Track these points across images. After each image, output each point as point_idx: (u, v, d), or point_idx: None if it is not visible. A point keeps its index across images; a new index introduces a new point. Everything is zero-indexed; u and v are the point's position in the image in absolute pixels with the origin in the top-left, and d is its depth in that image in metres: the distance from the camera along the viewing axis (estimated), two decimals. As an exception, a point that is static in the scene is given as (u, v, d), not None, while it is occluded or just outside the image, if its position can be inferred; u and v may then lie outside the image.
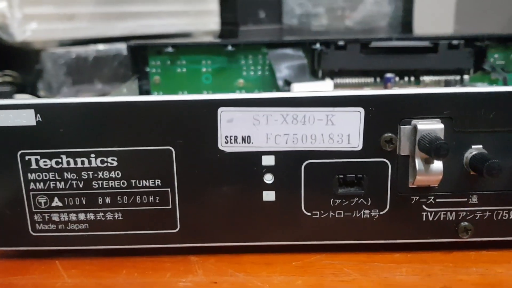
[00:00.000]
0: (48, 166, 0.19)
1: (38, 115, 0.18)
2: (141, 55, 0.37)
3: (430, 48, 0.35)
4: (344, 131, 0.19)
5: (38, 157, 0.19)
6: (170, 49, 0.36)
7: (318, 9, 1.04)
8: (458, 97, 0.18)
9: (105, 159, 0.19)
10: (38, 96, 0.80)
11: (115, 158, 0.19)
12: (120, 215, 0.20)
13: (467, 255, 0.20)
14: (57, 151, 0.19)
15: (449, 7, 0.97)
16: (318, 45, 0.36)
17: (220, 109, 0.19)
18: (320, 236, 0.20)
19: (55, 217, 0.20)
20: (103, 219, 0.20)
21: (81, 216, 0.20)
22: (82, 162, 0.19)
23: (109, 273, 0.20)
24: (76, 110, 0.19)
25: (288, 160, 0.19)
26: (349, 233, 0.20)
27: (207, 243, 0.20)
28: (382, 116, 0.18)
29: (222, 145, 0.19)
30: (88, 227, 0.20)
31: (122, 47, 0.84)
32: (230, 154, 0.19)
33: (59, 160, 0.19)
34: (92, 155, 0.19)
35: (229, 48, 0.36)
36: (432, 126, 0.18)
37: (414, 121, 0.18)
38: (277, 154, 0.19)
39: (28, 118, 0.19)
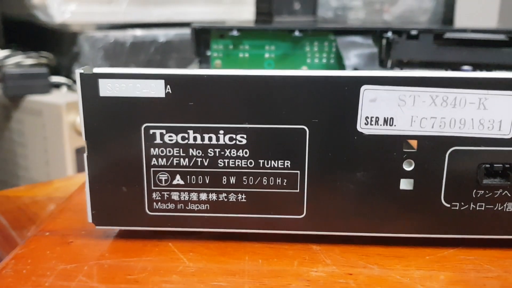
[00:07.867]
0: (174, 141, 0.18)
1: (168, 86, 0.17)
2: (203, 38, 0.36)
3: (505, 42, 0.34)
4: (496, 116, 0.17)
5: (164, 131, 0.18)
6: (235, 33, 0.35)
7: (356, 2, 1.03)
8: None
9: (234, 136, 0.18)
10: (73, 80, 0.79)
11: (245, 136, 0.18)
12: (243, 196, 0.18)
13: None
14: (185, 125, 0.18)
15: (493, 3, 0.94)
16: (390, 34, 0.34)
17: (363, 87, 0.17)
18: (456, 230, 0.19)
19: (174, 196, 0.18)
20: (226, 200, 0.18)
21: (203, 196, 0.18)
22: (210, 139, 0.18)
23: (230, 258, 0.18)
24: (207, 83, 0.17)
25: (432, 146, 0.18)
26: (487, 227, 0.18)
27: (332, 232, 0.19)
28: (541, 102, 0.17)
29: (361, 127, 0.18)
30: (208, 208, 0.19)
31: (159, 33, 0.84)
32: (369, 137, 0.18)
33: (186, 135, 0.18)
34: (221, 131, 0.18)
35: (296, 33, 0.34)
36: None
37: None
38: (420, 139, 0.18)
39: (157, 89, 0.17)
